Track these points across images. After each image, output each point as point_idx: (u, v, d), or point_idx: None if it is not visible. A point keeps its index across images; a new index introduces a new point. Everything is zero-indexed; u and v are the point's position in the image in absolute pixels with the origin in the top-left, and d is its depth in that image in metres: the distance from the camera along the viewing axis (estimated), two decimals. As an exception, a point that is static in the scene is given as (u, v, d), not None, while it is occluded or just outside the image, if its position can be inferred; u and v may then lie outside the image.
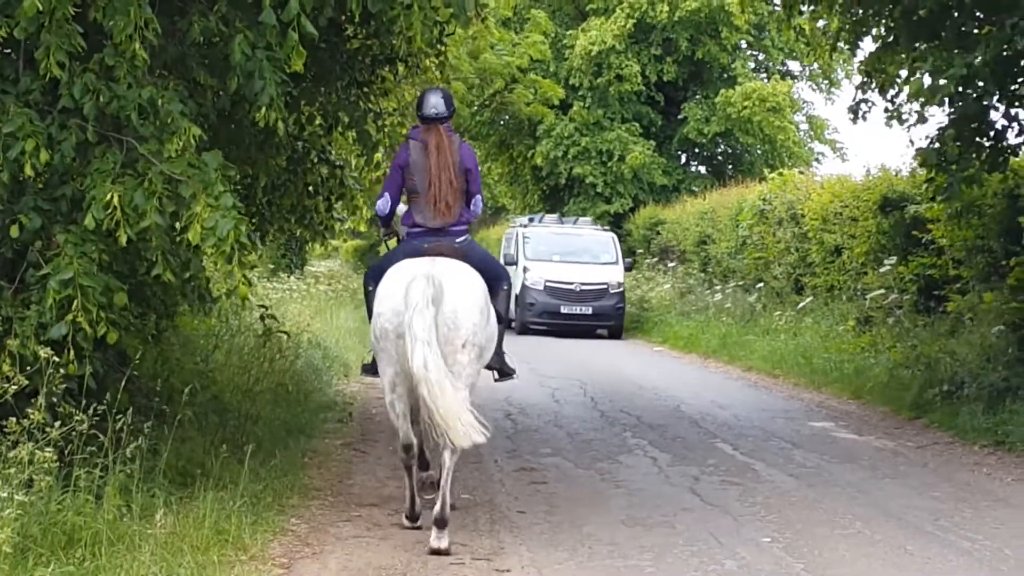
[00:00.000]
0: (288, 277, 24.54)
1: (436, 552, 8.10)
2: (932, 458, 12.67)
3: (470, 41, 26.29)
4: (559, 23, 37.97)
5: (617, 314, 29.04)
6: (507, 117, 36.74)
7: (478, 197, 9.48)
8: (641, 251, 33.62)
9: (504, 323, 9.42)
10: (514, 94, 34.58)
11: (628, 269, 30.41)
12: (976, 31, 13.50)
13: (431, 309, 8.26)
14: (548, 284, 28.84)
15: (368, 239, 56.56)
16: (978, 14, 13.58)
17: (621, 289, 29.23)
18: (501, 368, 9.77)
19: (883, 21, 14.73)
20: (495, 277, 9.31)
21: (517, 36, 34.25)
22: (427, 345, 8.13)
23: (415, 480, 8.98)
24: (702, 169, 39.70)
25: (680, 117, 37.09)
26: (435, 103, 9.28)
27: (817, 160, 40.83)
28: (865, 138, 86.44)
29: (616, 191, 36.44)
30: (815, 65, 39.44)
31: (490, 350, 9.10)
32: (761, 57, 39.67)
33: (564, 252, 29.98)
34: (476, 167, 9.54)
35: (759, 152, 37.84)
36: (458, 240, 9.17)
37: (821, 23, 16.77)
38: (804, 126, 40.62)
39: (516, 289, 27.03)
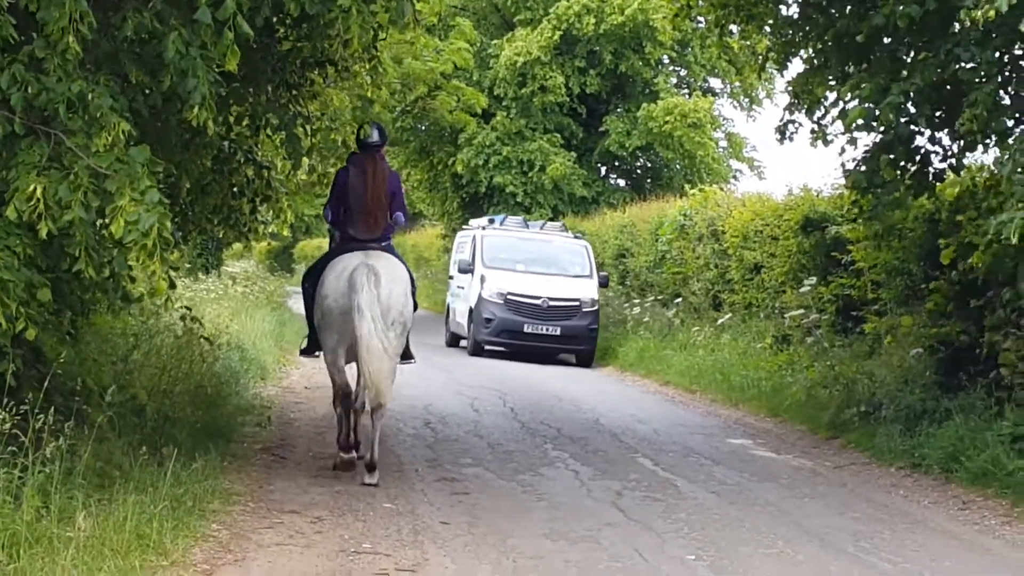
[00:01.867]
0: (205, 277, 24.28)
1: (368, 485, 10.41)
2: (850, 478, 12.77)
3: (394, 46, 26.20)
4: (484, 32, 37.96)
5: (590, 337, 24.77)
6: (428, 124, 36.60)
7: (399, 214, 11.48)
8: (559, 262, 33.66)
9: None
10: (437, 100, 34.44)
11: (603, 285, 26.09)
12: (907, 57, 13.65)
13: (373, 291, 10.35)
14: (510, 298, 24.63)
15: (282, 241, 56.34)
16: (906, 40, 13.72)
17: (595, 308, 25.05)
18: (405, 352, 11.35)
19: (813, 43, 14.84)
20: (411, 281, 11.30)
21: (442, 43, 34.16)
22: (372, 320, 10.27)
23: (350, 423, 11.05)
24: (621, 182, 39.84)
25: (602, 130, 37.21)
26: (373, 134, 11.51)
27: (735, 177, 41.11)
28: (781, 156, 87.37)
29: (536, 201, 36.47)
30: (736, 83, 39.83)
31: (407, 329, 11.03)
32: (683, 73, 39.91)
33: (529, 261, 25.98)
34: (400, 190, 11.82)
35: (678, 167, 38.04)
36: (383, 244, 11.28)
37: (750, 43, 16.90)
38: (723, 143, 40.89)
39: (471, 301, 25.14)
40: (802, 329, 18.78)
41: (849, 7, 13.83)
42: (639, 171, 39.59)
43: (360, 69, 13.80)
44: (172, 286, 8.95)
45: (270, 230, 15.94)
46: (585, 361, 24.84)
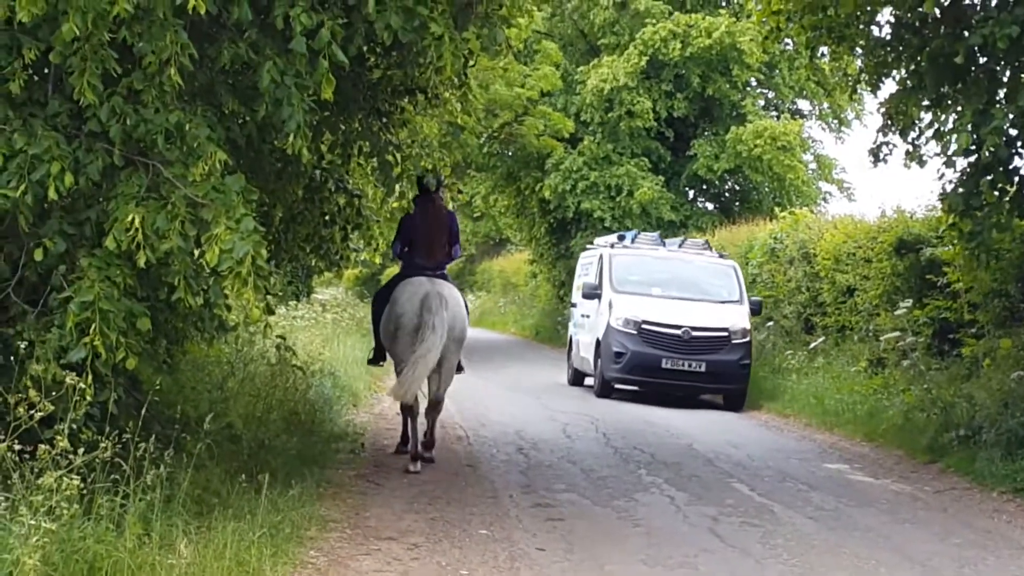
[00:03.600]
0: (296, 304, 24.45)
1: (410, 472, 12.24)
2: (951, 503, 12.56)
3: (480, 72, 26.30)
4: (570, 58, 37.98)
5: (741, 374, 21.07)
6: (515, 149, 36.67)
7: (456, 247, 13.46)
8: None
9: None
10: (524, 126, 34.54)
11: (756, 312, 22.20)
12: (1003, 77, 13.47)
13: (444, 312, 12.19)
14: (645, 327, 21.03)
15: (370, 268, 56.65)
16: (1003, 61, 13.55)
17: (747, 339, 21.35)
18: (459, 364, 13.17)
19: (906, 64, 14.68)
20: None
21: (528, 67, 34.25)
22: (440, 338, 12.11)
23: (413, 427, 12.68)
24: (710, 206, 39.61)
25: (689, 153, 37.04)
26: (429, 181, 13.51)
27: (824, 199, 40.72)
28: (870, 178, 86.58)
29: (624, 226, 36.26)
30: (825, 104, 39.53)
31: (464, 343, 12.90)
32: (771, 95, 39.67)
33: (667, 284, 22.32)
34: (456, 227, 13.55)
35: (767, 190, 37.75)
36: (437, 273, 13.00)
37: (841, 65, 16.79)
38: (812, 165, 40.56)
39: (597, 331, 21.80)
40: (897, 352, 18.53)
41: (944, 28, 13.67)
42: (727, 194, 39.36)
43: (450, 96, 13.88)
44: (271, 312, 9.01)
45: (362, 257, 16.01)
46: (735, 403, 21.10)
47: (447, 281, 13.02)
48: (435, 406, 13.02)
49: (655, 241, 24.17)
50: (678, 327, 20.96)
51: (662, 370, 20.86)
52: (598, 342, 21.72)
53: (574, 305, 25.00)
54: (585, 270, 24.83)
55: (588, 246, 27.06)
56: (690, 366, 20.85)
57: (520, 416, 17.57)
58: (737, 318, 21.42)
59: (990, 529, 11.28)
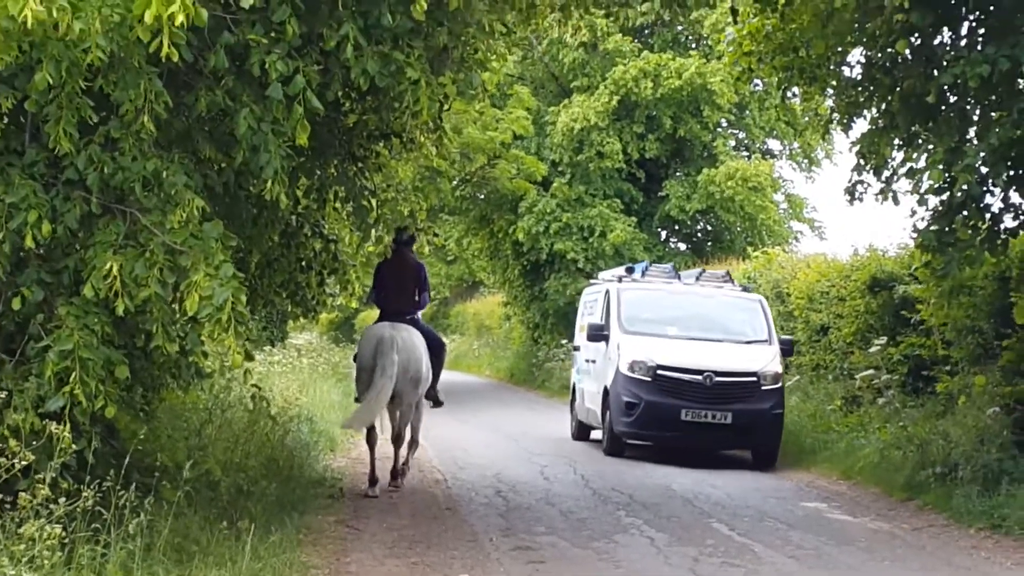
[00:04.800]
0: (271, 351, 24.39)
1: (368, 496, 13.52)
2: (929, 540, 12.58)
3: (453, 116, 26.38)
4: (542, 100, 38.12)
5: (773, 426, 18.34)
6: (488, 192, 36.74)
7: (425, 294, 14.89)
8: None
9: (437, 377, 14.70)
10: (496, 169, 34.62)
11: (788, 352, 19.56)
12: (976, 115, 13.61)
13: (394, 356, 13.43)
14: (660, 373, 18.28)
15: (343, 312, 56.56)
16: (971, 100, 13.69)
17: (779, 385, 18.67)
18: (436, 399, 14.84)
19: (877, 104, 14.81)
20: (438, 346, 14.87)
21: (500, 112, 34.36)
22: (389, 379, 13.35)
23: (371, 456, 14.02)
24: (682, 246, 39.73)
25: (661, 194, 37.19)
26: (403, 236, 14.38)
27: (796, 238, 40.96)
28: (841, 216, 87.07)
29: (597, 267, 36.37)
30: (795, 144, 39.78)
31: (426, 383, 14.15)
32: (742, 135, 39.90)
33: (685, 323, 19.73)
34: (425, 276, 15.00)
35: (739, 230, 37.92)
36: (409, 318, 14.41)
37: (812, 105, 16.92)
38: (784, 204, 40.78)
39: (605, 379, 19.18)
40: (872, 390, 18.58)
41: (915, 67, 13.80)
42: (699, 234, 39.50)
43: (425, 140, 13.92)
44: (250, 358, 9.00)
45: (338, 302, 16.04)
46: (766, 460, 18.44)
47: (414, 326, 14.26)
48: (397, 439, 14.17)
49: (669, 273, 21.31)
50: (699, 372, 18.18)
51: (681, 423, 18.06)
52: (606, 391, 19.01)
53: (577, 348, 22.54)
54: (589, 308, 21.77)
55: (592, 281, 24.44)
56: (714, 417, 18.06)
57: (498, 460, 17.53)
58: (766, 360, 18.68)
59: (969, 566, 11.31)
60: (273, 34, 8.91)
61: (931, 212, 13.92)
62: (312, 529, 11.28)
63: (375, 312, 15.17)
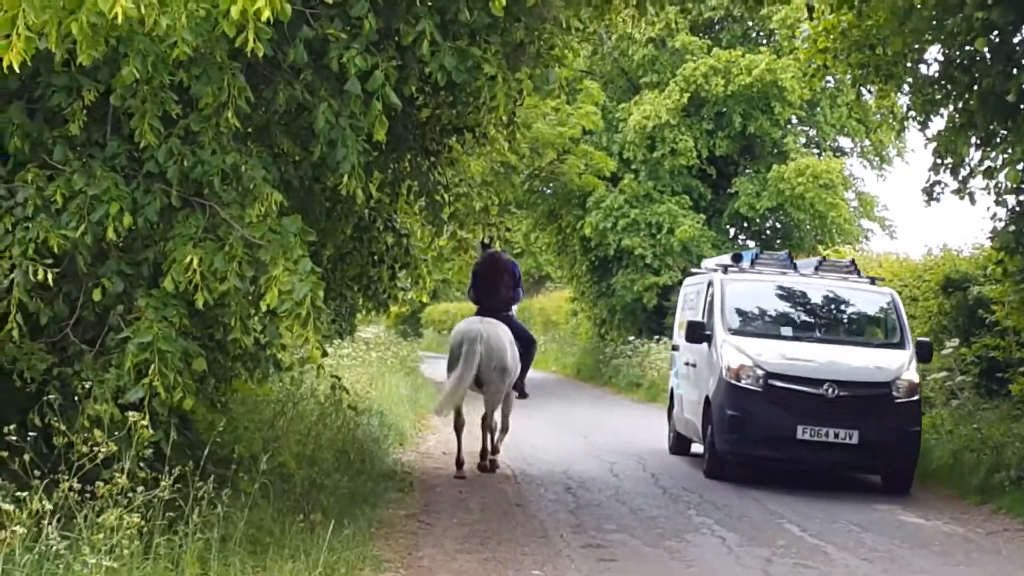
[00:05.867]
0: (341, 344, 24.50)
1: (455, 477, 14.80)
2: (1004, 545, 12.44)
3: (523, 111, 26.40)
4: (611, 96, 38.05)
5: (908, 447, 15.51)
6: (557, 187, 36.73)
7: (518, 290, 16.07)
8: (689, 324, 33.29)
9: (525, 371, 15.98)
10: (566, 164, 34.60)
11: (925, 358, 16.47)
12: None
13: (479, 347, 14.64)
14: (772, 383, 15.39)
15: (410, 305, 56.78)
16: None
17: (916, 398, 15.70)
18: (522, 390, 16.03)
19: (955, 102, 14.66)
20: (528, 342, 16.15)
21: (570, 107, 34.31)
22: (469, 368, 14.62)
23: (458, 440, 15.27)
24: (751, 243, 39.51)
25: (731, 191, 37.02)
26: (488, 238, 15.68)
27: (866, 237, 40.64)
28: (911, 215, 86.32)
29: (665, 263, 36.32)
30: (866, 141, 39.46)
31: (512, 374, 15.21)
32: (812, 132, 39.63)
33: (802, 322, 17.04)
34: (518, 273, 16.18)
35: (808, 228, 37.67)
36: (503, 314, 15.55)
37: (888, 103, 16.78)
38: (854, 202, 40.46)
39: (706, 387, 16.39)
40: (945, 391, 18.40)
41: (994, 66, 13.65)
42: (769, 232, 39.27)
43: (498, 135, 13.94)
44: (324, 354, 9.05)
45: (409, 296, 16.11)
46: (899, 486, 15.68)
47: (506, 322, 15.39)
48: (485, 422, 15.34)
49: (783, 262, 18.04)
50: (819, 382, 15.30)
51: (797, 442, 15.22)
52: (707, 401, 16.22)
53: (675, 348, 19.81)
54: (689, 302, 19.19)
55: (693, 271, 21.99)
56: (837, 436, 15.19)
57: (566, 455, 17.53)
58: (900, 367, 15.75)
59: (1046, 571, 11.17)
60: (351, 29, 8.94)
61: (1009, 212, 13.76)
62: (384, 523, 11.33)
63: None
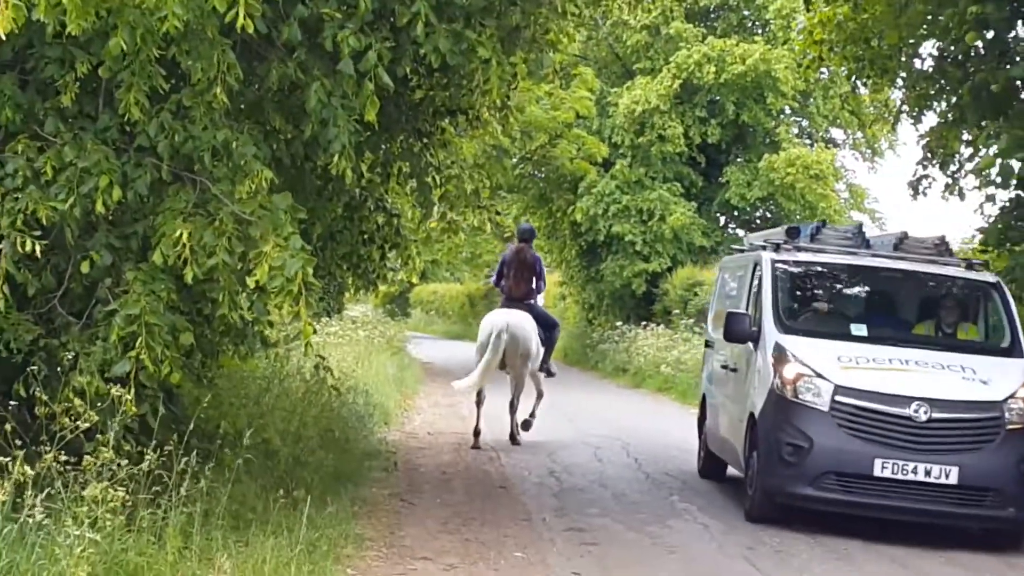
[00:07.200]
0: (328, 321, 24.53)
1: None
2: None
3: (516, 95, 26.37)
4: (605, 81, 38.03)
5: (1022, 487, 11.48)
6: (548, 171, 36.75)
7: (540, 282, 17.53)
8: (678, 311, 33.40)
9: (550, 352, 17.59)
10: (558, 149, 34.61)
11: None
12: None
13: (504, 336, 16.24)
14: (842, 401, 11.58)
15: (398, 285, 56.79)
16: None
17: None
18: (548, 370, 17.60)
19: (947, 97, 14.71)
20: (551, 326, 17.76)
21: (564, 92, 34.30)
22: (495, 354, 16.27)
23: (478, 413, 16.57)
24: (740, 232, 39.57)
25: (722, 180, 37.06)
26: (523, 233, 18.10)
27: (857, 229, 40.63)
28: (902, 208, 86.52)
29: (655, 250, 36.36)
30: (859, 133, 39.51)
31: (536, 359, 16.93)
32: (805, 123, 39.67)
33: (880, 318, 13.06)
34: (541, 267, 17.62)
35: (799, 218, 37.70)
36: (526, 303, 17.14)
37: (881, 97, 16.83)
38: (845, 194, 40.54)
39: (752, 402, 12.35)
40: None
41: (987, 61, 13.70)
42: (759, 221, 39.32)
43: (491, 118, 13.92)
44: (314, 331, 9.06)
45: (399, 277, 16.18)
46: (1011, 536, 11.86)
47: (529, 310, 17.01)
48: (512, 406, 16.99)
49: (853, 238, 13.68)
50: (906, 400, 11.48)
51: (875, 480, 11.43)
52: (752, 420, 12.32)
53: (709, 345, 15.73)
54: (729, 288, 15.01)
55: (735, 247, 17.48)
56: (928, 473, 11.35)
57: (553, 439, 17.57)
58: (1014, 382, 11.84)
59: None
60: (346, 8, 8.94)
61: (998, 209, 13.82)
62: (367, 502, 11.37)
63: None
